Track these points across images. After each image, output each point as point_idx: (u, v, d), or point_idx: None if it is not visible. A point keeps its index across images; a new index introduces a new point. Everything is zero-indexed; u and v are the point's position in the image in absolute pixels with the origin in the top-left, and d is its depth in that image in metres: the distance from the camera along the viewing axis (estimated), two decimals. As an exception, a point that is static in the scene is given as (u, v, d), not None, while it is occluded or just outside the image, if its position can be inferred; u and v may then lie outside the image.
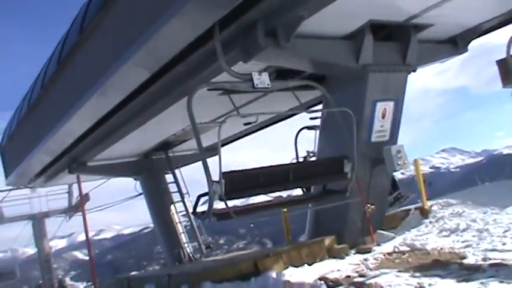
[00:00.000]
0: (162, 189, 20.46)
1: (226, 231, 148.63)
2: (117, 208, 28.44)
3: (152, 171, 20.43)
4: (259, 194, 10.86)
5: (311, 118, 12.44)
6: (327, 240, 11.89)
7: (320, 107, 15.72)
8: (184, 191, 19.61)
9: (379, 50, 12.22)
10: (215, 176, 9.01)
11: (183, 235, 20.26)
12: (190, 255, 19.71)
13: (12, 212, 30.60)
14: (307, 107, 16.13)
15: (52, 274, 32.44)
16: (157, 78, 12.54)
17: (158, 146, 19.49)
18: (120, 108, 14.62)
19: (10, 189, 28.03)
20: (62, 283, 33.45)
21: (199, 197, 9.47)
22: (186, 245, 19.93)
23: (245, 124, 18.80)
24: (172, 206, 20.05)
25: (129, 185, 22.07)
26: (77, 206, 30.42)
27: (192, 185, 19.87)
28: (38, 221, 30.89)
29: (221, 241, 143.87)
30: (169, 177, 20.68)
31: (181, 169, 20.49)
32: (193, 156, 20.62)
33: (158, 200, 20.66)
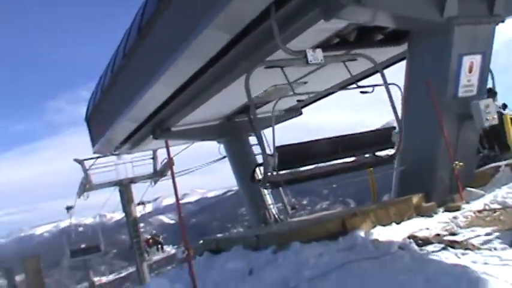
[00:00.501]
0: (246, 151, 20.52)
1: (309, 191, 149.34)
2: (200, 172, 29.18)
3: (235, 134, 20.55)
4: (309, 165, 12.22)
5: (361, 92, 12.35)
6: (415, 199, 11.80)
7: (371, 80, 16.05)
8: (268, 152, 19.66)
9: (465, 1, 11.84)
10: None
11: (268, 196, 20.42)
12: (276, 216, 19.90)
13: (100, 179, 32.00)
14: (358, 78, 15.83)
15: (140, 237, 33.65)
16: (237, 41, 12.71)
17: (241, 108, 19.56)
18: (202, 73, 14.87)
19: (97, 157, 29.34)
20: (156, 239, 34.62)
21: (255, 167, 11.42)
22: (271, 206, 20.13)
23: (298, 101, 18.91)
24: (256, 168, 20.17)
25: (212, 148, 22.35)
26: (162, 171, 31.52)
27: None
28: (124, 186, 32.21)
29: (304, 202, 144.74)
30: (252, 139, 20.77)
31: (265, 131, 20.45)
32: (276, 117, 20.62)
33: (242, 162, 20.76)
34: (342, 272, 8.35)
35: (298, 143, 12.03)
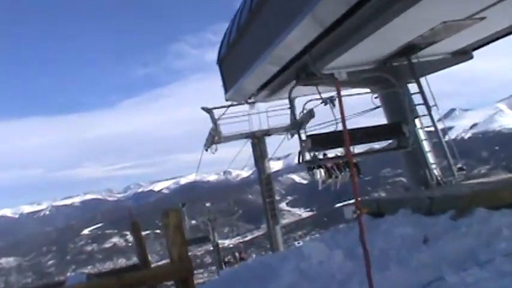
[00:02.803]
0: (405, 101, 19.69)
1: (465, 153, 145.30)
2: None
3: (392, 80, 19.64)
4: (335, 148, 19.11)
5: None
6: None
7: None
8: (431, 102, 18.84)
9: None
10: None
11: (429, 154, 19.60)
12: (439, 178, 19.12)
13: (231, 130, 31.98)
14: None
15: (274, 197, 33.69)
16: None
17: (400, 50, 18.79)
18: (357, 9, 14.56)
19: (229, 106, 29.22)
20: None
21: (299, 152, 17.17)
22: (433, 166, 19.33)
23: None
24: (416, 121, 19.28)
25: (359, 98, 21.55)
26: (301, 123, 31.01)
27: (439, 96, 19.26)
28: (257, 139, 32.14)
29: (458, 165, 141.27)
30: (412, 87, 19.99)
31: (428, 77, 19.77)
32: (441, 61, 19.66)
33: (399, 114, 19.91)
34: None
35: (327, 132, 19.07)
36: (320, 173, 26.12)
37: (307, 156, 18.93)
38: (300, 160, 18.44)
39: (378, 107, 21.20)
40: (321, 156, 19.40)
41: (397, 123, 18.50)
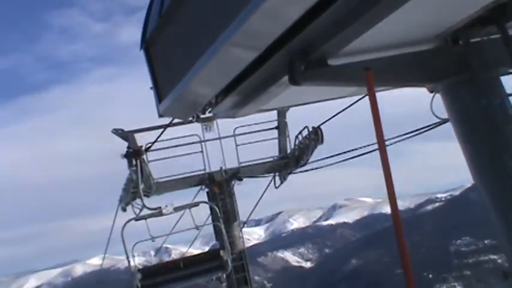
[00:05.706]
0: (493, 106, 13.37)
1: None
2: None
3: (472, 69, 13.58)
4: (172, 283, 30.63)
5: None
6: None
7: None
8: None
9: None
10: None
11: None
12: None
13: (170, 171, 25.07)
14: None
15: None
16: None
17: (485, 12, 12.72)
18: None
19: (165, 127, 22.12)
20: None
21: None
22: None
23: None
24: None
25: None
26: (300, 155, 23.79)
27: None
28: (218, 187, 25.01)
29: None
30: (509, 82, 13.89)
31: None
32: None
33: (478, 128, 13.53)
34: None
35: (159, 263, 34.05)
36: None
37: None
38: None
39: (444, 122, 15.78)
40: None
41: (216, 250, 28.85)
